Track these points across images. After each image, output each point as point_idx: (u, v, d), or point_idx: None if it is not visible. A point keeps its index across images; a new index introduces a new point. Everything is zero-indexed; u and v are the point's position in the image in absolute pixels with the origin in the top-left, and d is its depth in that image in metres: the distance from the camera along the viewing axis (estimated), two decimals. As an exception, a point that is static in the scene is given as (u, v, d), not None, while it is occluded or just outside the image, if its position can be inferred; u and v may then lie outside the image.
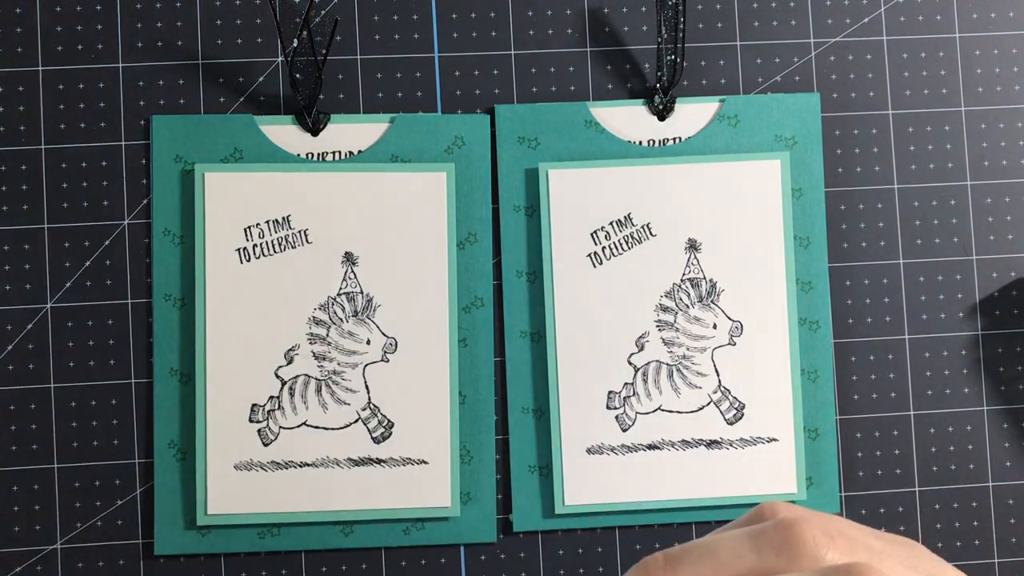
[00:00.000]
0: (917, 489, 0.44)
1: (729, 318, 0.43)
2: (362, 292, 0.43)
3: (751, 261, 0.43)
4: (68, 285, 0.42)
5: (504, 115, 0.44)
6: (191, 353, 0.42)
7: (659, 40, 0.42)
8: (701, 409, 0.43)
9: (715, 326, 0.43)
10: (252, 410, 0.42)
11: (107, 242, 0.43)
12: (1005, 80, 0.45)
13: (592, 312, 0.43)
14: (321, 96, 0.43)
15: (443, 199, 0.43)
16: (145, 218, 0.43)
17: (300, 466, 0.42)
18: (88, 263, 0.43)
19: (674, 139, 0.44)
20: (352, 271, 0.42)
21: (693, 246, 0.43)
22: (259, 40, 0.44)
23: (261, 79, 0.44)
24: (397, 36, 0.44)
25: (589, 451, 0.43)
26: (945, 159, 0.45)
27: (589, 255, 0.43)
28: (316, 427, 0.42)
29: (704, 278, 0.43)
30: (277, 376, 0.42)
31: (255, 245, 0.42)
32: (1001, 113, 0.45)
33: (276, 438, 0.42)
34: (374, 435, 0.42)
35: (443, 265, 0.43)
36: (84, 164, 0.43)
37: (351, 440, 0.42)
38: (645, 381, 0.43)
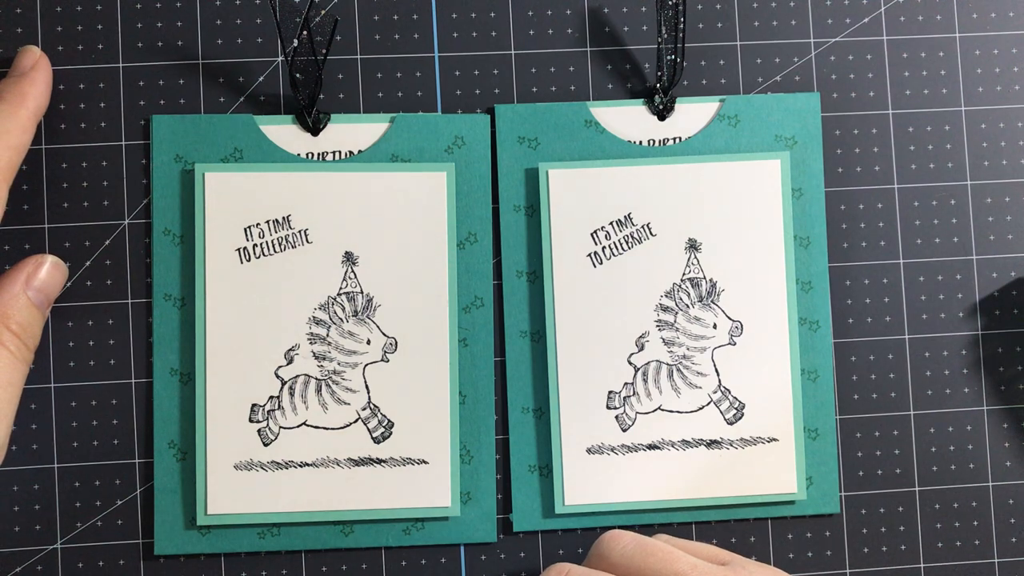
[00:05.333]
0: (917, 489, 0.44)
1: (729, 318, 0.43)
2: (362, 292, 0.43)
3: (751, 261, 0.43)
4: (68, 285, 0.42)
5: (504, 115, 0.44)
6: (191, 353, 0.42)
7: (659, 40, 0.42)
8: (701, 409, 0.43)
9: (715, 326, 0.43)
10: (252, 410, 0.42)
11: (107, 242, 0.43)
12: (1005, 80, 0.45)
13: (592, 312, 0.43)
14: (321, 96, 0.43)
15: (443, 199, 0.43)
16: (145, 218, 0.43)
17: (300, 466, 0.42)
18: (88, 263, 0.43)
19: (674, 139, 0.44)
20: (352, 271, 0.42)
21: (693, 246, 0.43)
22: (259, 40, 0.44)
23: (261, 79, 0.44)
24: (397, 36, 0.44)
25: (589, 451, 0.43)
26: (945, 159, 0.45)
27: (589, 255, 0.43)
28: (316, 427, 0.42)
29: (704, 278, 0.43)
30: (277, 376, 0.42)
31: (255, 245, 0.42)
32: (1001, 113, 0.45)
33: (276, 438, 0.42)
34: (374, 435, 0.42)
35: (443, 265, 0.43)
36: (84, 164, 0.43)
37: (351, 440, 0.42)
38: (645, 381, 0.43)
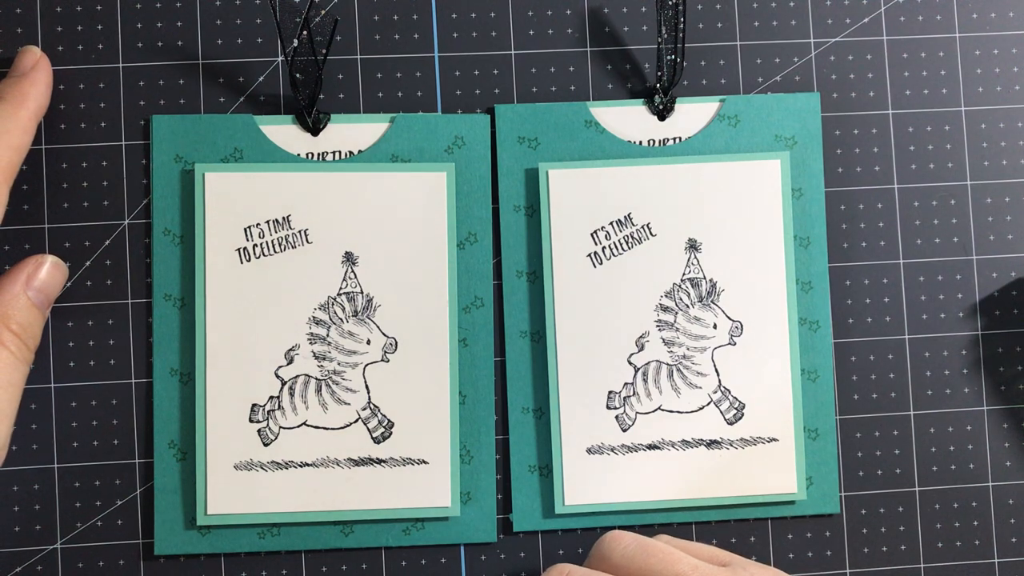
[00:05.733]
0: (917, 489, 0.44)
1: (729, 318, 0.43)
2: (362, 292, 0.43)
3: (751, 261, 0.43)
4: (68, 285, 0.42)
5: (504, 115, 0.44)
6: (191, 353, 0.42)
7: (659, 40, 0.42)
8: (701, 409, 0.43)
9: (715, 326, 0.43)
10: (252, 410, 0.42)
11: (107, 242, 0.43)
12: (1005, 80, 0.45)
13: (592, 312, 0.43)
14: (321, 96, 0.43)
15: (443, 199, 0.43)
16: (145, 218, 0.43)
17: (300, 466, 0.42)
18: (88, 263, 0.43)
19: (674, 139, 0.44)
20: (352, 271, 0.42)
21: (693, 246, 0.43)
22: (259, 40, 0.44)
23: (261, 79, 0.44)
24: (397, 36, 0.44)
25: (589, 451, 0.43)
26: (945, 159, 0.45)
27: (589, 255, 0.43)
28: (316, 427, 0.42)
29: (704, 278, 0.43)
30: (277, 376, 0.42)
31: (255, 245, 0.42)
32: (1001, 113, 0.45)
33: (276, 438, 0.42)
34: (374, 435, 0.42)
35: (443, 265, 0.43)
36: (84, 164, 0.43)
37: (351, 440, 0.42)
38: (645, 381, 0.43)
